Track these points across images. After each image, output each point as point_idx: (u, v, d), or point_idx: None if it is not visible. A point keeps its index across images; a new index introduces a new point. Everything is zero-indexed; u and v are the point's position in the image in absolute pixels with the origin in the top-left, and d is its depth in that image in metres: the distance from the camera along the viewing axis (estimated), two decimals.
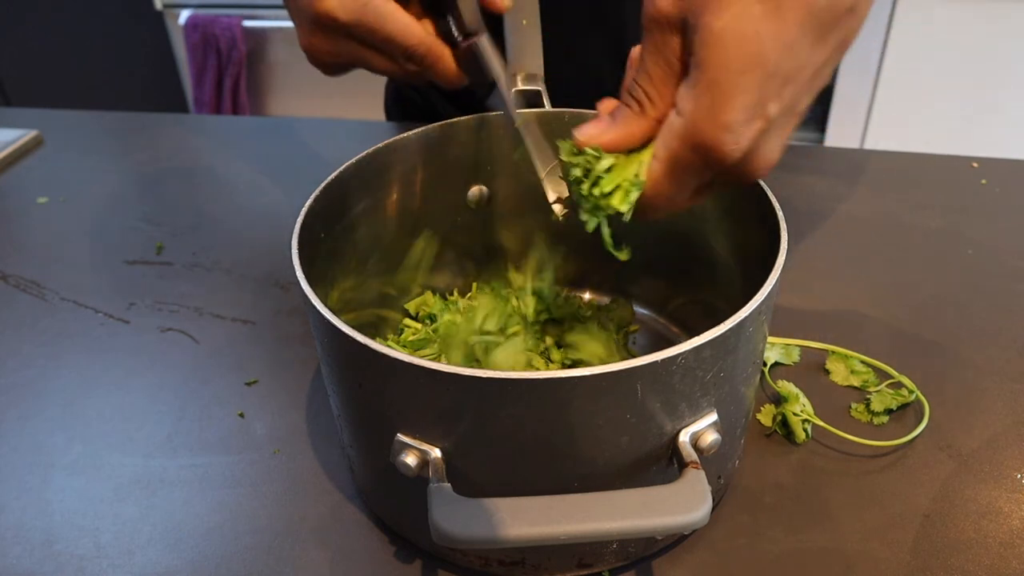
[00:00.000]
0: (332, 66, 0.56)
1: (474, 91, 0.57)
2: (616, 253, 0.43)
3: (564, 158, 0.42)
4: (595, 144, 0.40)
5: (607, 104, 0.42)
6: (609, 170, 0.40)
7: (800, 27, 0.34)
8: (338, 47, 0.53)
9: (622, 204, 0.40)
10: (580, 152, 0.41)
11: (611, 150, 0.40)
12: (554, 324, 0.60)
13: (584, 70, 0.81)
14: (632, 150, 0.40)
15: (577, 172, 0.41)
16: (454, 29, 0.53)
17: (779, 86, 0.35)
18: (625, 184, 0.40)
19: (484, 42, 0.52)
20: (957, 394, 0.57)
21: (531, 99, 0.58)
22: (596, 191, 0.40)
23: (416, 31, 0.51)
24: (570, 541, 0.36)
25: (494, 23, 0.58)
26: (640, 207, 0.40)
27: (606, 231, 0.42)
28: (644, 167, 0.39)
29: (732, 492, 0.50)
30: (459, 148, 0.57)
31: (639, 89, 0.39)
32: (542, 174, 0.49)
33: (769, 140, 0.38)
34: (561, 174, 0.44)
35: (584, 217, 0.42)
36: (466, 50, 0.52)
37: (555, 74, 0.60)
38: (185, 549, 0.48)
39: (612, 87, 0.43)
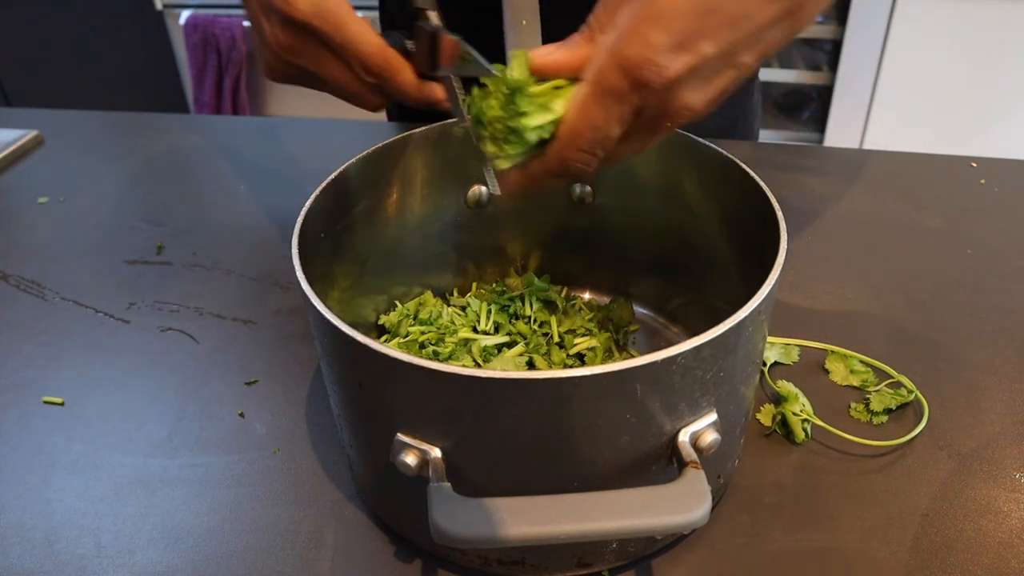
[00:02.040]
0: (289, 68, 0.53)
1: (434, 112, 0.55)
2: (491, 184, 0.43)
3: (491, 85, 0.42)
4: (543, 63, 0.40)
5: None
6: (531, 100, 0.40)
7: None
8: (300, 45, 0.50)
9: (532, 121, 0.39)
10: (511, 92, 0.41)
11: (557, 70, 0.40)
12: (553, 323, 0.60)
13: None
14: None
15: (498, 100, 0.41)
16: (405, 38, 0.51)
17: (718, 25, 0.35)
18: (542, 101, 0.39)
19: (433, 15, 0.50)
20: (956, 394, 0.57)
21: None
22: (512, 109, 0.40)
23: (374, 39, 0.50)
24: (570, 541, 0.36)
25: (494, 23, 0.58)
26: (564, 136, 0.40)
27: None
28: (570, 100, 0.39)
29: (732, 492, 0.50)
30: (459, 148, 0.57)
31: (593, 16, 0.39)
32: (464, 114, 0.48)
33: (696, 82, 0.37)
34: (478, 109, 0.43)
35: (489, 146, 0.41)
36: (417, 39, 0.50)
37: None
38: (185, 549, 0.48)
39: None
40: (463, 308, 0.61)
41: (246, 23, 2.21)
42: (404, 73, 0.51)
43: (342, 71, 0.51)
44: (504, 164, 0.42)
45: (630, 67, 0.36)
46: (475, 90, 0.43)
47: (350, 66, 0.51)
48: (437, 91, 0.54)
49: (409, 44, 0.51)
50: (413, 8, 0.50)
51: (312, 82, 0.54)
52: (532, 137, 0.40)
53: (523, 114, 0.40)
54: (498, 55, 0.61)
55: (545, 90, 0.40)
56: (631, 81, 0.36)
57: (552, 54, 0.40)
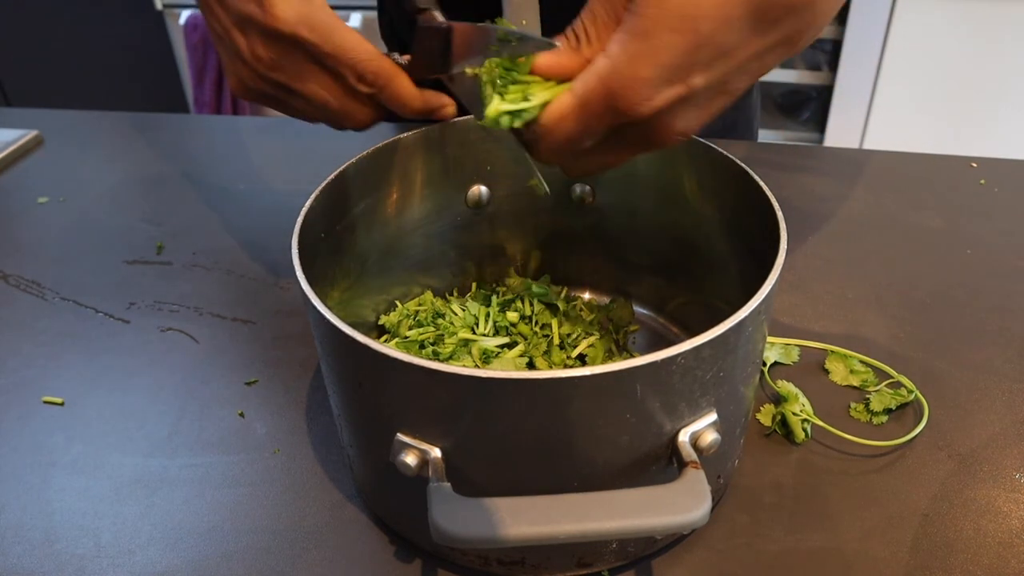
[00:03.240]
0: (264, 86, 0.50)
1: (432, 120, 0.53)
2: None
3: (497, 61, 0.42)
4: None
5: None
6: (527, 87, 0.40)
7: (743, 5, 0.34)
8: (283, 59, 0.48)
9: (513, 104, 0.40)
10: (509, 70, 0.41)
11: (538, 74, 0.40)
12: (554, 324, 0.60)
13: None
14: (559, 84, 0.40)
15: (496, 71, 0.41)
16: (398, 56, 0.49)
17: (710, 58, 0.35)
18: (526, 90, 0.40)
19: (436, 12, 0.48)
20: (956, 394, 0.57)
21: None
22: (504, 83, 0.41)
23: (368, 47, 0.47)
24: (570, 541, 0.36)
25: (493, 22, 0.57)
26: (536, 134, 0.40)
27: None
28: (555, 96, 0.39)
29: (731, 492, 0.50)
30: (459, 148, 0.57)
31: (580, 26, 0.39)
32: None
33: (686, 110, 0.37)
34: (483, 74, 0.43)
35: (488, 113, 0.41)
36: (416, 40, 0.48)
37: None
38: (185, 549, 0.48)
39: None
40: (463, 308, 0.61)
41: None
42: (400, 78, 0.49)
43: (329, 84, 0.49)
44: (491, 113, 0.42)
45: (617, 98, 0.36)
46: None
47: (339, 77, 0.48)
48: (439, 97, 0.52)
49: (401, 58, 0.49)
50: (414, 8, 0.49)
51: (287, 101, 0.51)
52: (507, 117, 0.41)
53: (506, 92, 0.41)
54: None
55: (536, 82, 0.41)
56: (614, 108, 0.36)
57: (537, 58, 0.40)
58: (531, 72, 0.41)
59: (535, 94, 0.40)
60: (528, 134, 0.41)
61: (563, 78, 0.39)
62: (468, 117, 0.55)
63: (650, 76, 0.35)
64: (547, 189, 0.49)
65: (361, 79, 0.48)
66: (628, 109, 0.36)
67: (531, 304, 0.60)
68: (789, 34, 0.35)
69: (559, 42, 0.40)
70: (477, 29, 0.45)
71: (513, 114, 0.40)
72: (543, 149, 0.40)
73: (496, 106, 0.40)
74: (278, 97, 0.51)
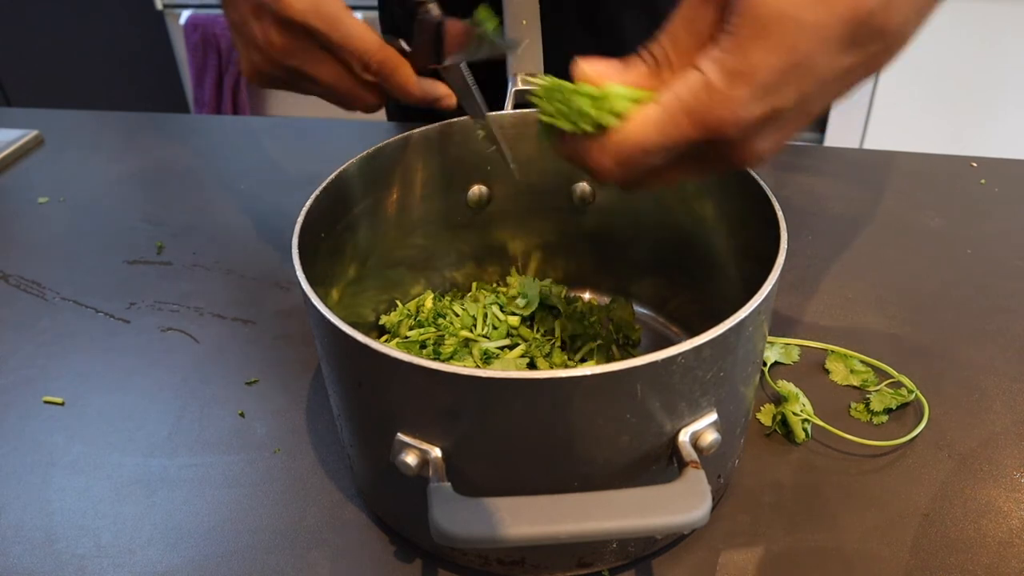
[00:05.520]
0: (277, 71, 0.52)
1: (434, 111, 0.54)
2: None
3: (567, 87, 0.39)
4: (597, 80, 0.38)
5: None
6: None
7: (842, 23, 0.33)
8: (295, 46, 0.51)
9: (602, 115, 0.37)
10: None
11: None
12: (554, 324, 0.60)
13: None
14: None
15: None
16: (404, 43, 0.51)
17: (801, 76, 0.34)
18: (619, 100, 0.37)
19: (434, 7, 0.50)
20: (957, 394, 0.57)
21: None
22: (597, 93, 0.37)
23: (374, 37, 0.50)
24: (570, 541, 0.36)
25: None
26: (614, 145, 0.37)
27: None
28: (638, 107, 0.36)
29: (732, 492, 0.50)
30: (459, 148, 0.57)
31: (661, 49, 0.38)
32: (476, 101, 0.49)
33: (771, 131, 0.36)
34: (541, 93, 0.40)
35: (558, 122, 0.39)
36: (417, 32, 0.50)
37: (555, 74, 0.60)
38: (185, 548, 0.48)
39: None
40: (463, 308, 0.61)
41: None
42: (404, 68, 0.51)
43: (337, 71, 0.51)
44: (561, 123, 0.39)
45: (708, 114, 0.35)
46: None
47: (346, 65, 0.51)
48: (439, 88, 0.54)
49: (405, 44, 0.51)
50: (413, 3, 0.50)
51: (300, 85, 0.53)
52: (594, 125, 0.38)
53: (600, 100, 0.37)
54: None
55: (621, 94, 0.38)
56: (703, 126, 0.35)
57: (610, 76, 0.38)
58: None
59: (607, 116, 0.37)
60: (592, 147, 0.38)
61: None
62: (468, 117, 0.55)
63: (745, 94, 0.34)
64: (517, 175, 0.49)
65: (366, 68, 0.50)
66: (718, 127, 0.35)
67: (530, 304, 0.60)
68: (874, 56, 0.35)
69: (641, 60, 0.38)
70: (466, 25, 0.48)
71: (587, 116, 0.37)
72: (609, 161, 0.38)
73: (578, 105, 0.37)
74: (289, 80, 0.53)
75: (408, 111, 0.96)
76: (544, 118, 0.39)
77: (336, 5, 0.49)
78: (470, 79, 0.52)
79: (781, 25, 0.33)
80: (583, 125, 0.38)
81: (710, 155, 0.38)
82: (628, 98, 0.37)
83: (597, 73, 0.38)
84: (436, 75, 0.53)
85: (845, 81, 0.36)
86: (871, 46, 0.35)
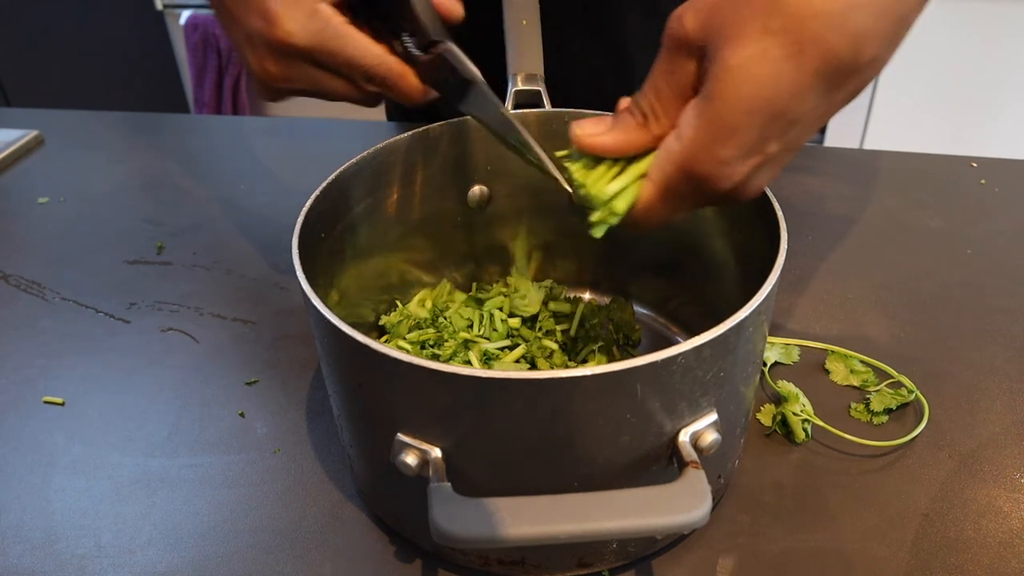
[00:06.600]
0: (283, 91, 0.52)
1: (437, 106, 0.54)
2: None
3: (567, 162, 0.43)
4: (591, 143, 0.41)
5: (623, 102, 0.41)
6: (621, 171, 0.41)
7: (816, 75, 0.34)
8: (293, 72, 0.49)
9: (621, 206, 0.41)
10: (580, 156, 0.42)
11: (605, 153, 0.41)
12: (554, 324, 0.60)
13: (584, 71, 0.81)
14: (631, 160, 0.41)
15: (579, 172, 0.42)
16: (412, 46, 0.49)
17: (784, 127, 0.36)
18: (631, 187, 0.41)
19: (453, 47, 0.48)
20: (957, 394, 0.57)
21: (531, 99, 0.58)
22: (605, 187, 0.41)
23: (376, 51, 0.49)
24: (570, 541, 0.36)
25: (494, 22, 0.57)
26: (629, 221, 0.42)
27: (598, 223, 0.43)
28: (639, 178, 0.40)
29: (732, 492, 0.50)
30: (459, 148, 0.57)
31: (646, 102, 0.39)
32: (544, 159, 0.48)
33: (763, 173, 0.38)
34: (565, 175, 0.45)
35: (594, 220, 0.43)
36: (429, 63, 0.49)
37: (555, 74, 0.60)
38: (185, 548, 0.48)
39: (612, 88, 0.43)
40: (463, 308, 0.61)
41: None
42: (408, 79, 0.50)
43: (340, 84, 0.51)
44: (600, 233, 0.44)
45: (699, 180, 0.37)
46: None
47: (350, 79, 0.50)
48: None
49: (418, 54, 0.49)
50: (429, 41, 0.49)
51: (308, 94, 0.53)
52: (599, 232, 0.43)
53: (615, 196, 0.42)
54: (498, 54, 0.61)
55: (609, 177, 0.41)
56: (698, 188, 0.38)
57: (602, 136, 0.40)
58: (590, 152, 0.41)
59: (608, 180, 0.41)
60: (624, 224, 0.43)
61: (630, 155, 0.41)
62: (468, 117, 0.55)
63: (730, 156, 0.36)
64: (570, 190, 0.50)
65: (370, 80, 0.50)
66: (713, 188, 0.37)
67: (530, 304, 0.60)
68: (855, 88, 0.36)
69: (624, 117, 0.40)
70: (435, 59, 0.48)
71: (605, 220, 0.42)
72: (638, 231, 0.42)
73: (596, 217, 0.42)
74: (298, 94, 0.53)
75: (408, 111, 0.96)
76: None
77: (334, 26, 0.47)
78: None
79: (756, 85, 0.34)
80: (611, 222, 0.42)
81: (713, 199, 0.40)
82: (626, 194, 0.41)
83: (586, 134, 0.41)
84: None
85: (829, 113, 0.37)
86: (849, 84, 0.36)
